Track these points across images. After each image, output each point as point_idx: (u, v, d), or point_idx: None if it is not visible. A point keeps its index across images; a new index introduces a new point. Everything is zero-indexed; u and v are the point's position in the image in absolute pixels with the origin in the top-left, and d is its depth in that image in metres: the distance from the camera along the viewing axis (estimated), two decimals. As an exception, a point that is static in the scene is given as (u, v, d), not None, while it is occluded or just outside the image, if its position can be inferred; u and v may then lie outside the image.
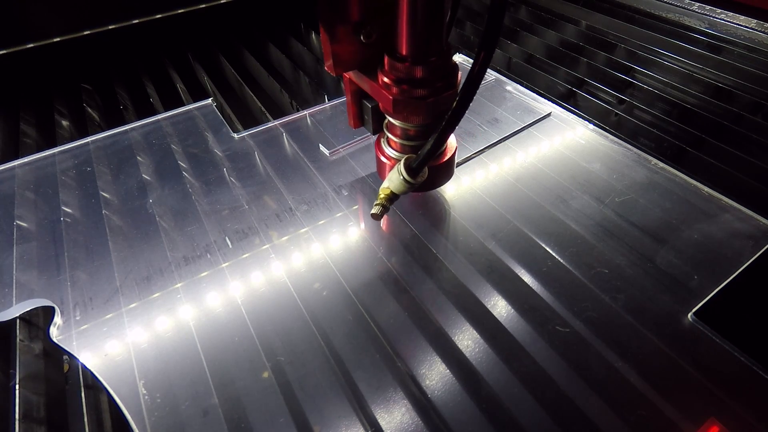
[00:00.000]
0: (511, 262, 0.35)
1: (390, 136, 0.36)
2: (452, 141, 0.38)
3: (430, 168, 0.36)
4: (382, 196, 0.34)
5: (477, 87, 0.28)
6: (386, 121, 0.36)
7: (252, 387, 0.28)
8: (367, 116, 0.37)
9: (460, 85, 0.29)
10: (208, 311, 0.32)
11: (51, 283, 0.34)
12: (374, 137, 0.40)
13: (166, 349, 0.30)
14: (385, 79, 0.31)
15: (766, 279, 0.34)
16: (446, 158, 0.37)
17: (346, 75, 0.35)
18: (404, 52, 0.30)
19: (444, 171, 0.38)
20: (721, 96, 0.55)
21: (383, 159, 0.37)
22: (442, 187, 0.42)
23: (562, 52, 0.65)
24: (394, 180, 0.33)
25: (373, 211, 0.34)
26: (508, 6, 0.81)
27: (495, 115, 0.51)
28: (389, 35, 0.31)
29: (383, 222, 0.39)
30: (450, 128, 0.30)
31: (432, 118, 0.33)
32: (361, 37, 0.31)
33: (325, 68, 0.33)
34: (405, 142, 0.35)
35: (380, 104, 0.34)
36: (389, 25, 0.30)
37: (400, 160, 0.33)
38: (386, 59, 0.31)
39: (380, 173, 0.40)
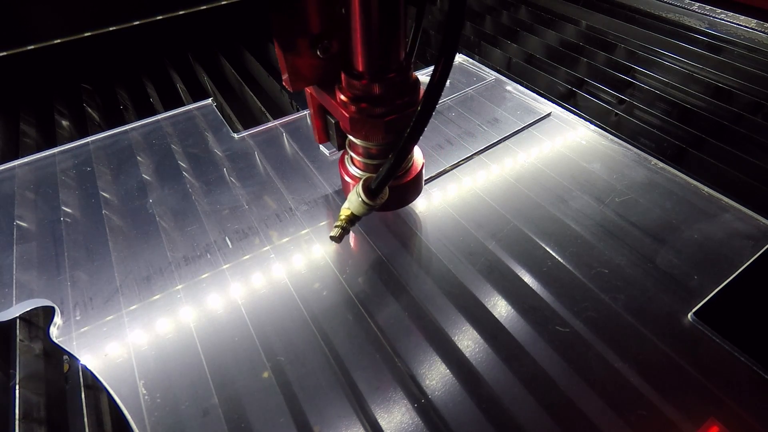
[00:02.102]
0: (511, 262, 0.35)
1: (352, 154, 0.34)
2: (419, 157, 0.36)
3: (397, 188, 0.34)
4: (342, 217, 0.32)
5: (438, 97, 0.26)
6: (348, 138, 0.34)
7: (252, 387, 0.28)
8: (332, 132, 0.35)
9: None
10: (207, 311, 0.32)
11: (51, 283, 0.34)
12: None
13: (166, 350, 0.30)
14: (343, 97, 0.30)
15: (766, 279, 0.34)
16: (412, 176, 0.35)
17: (308, 89, 0.34)
18: (360, 69, 0.29)
19: (411, 189, 0.36)
20: (721, 96, 0.55)
21: (347, 178, 0.36)
22: (441, 187, 0.42)
23: (562, 52, 0.65)
24: (353, 201, 0.31)
25: (332, 233, 0.32)
26: (508, 6, 0.81)
27: (495, 115, 0.51)
28: (345, 51, 0.29)
29: (383, 222, 0.39)
30: (410, 144, 0.27)
31: (392, 137, 0.31)
32: (318, 52, 0.30)
33: (283, 82, 0.31)
34: (367, 161, 0.34)
35: (339, 122, 0.32)
36: (346, 39, 0.28)
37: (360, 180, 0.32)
38: (343, 76, 0.29)
39: (345, 192, 0.38)
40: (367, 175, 0.33)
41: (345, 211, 0.32)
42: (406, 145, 0.27)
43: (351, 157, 0.35)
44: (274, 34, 0.28)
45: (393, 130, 0.30)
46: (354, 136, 0.32)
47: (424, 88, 0.27)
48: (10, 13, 0.60)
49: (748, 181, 0.43)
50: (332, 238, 0.32)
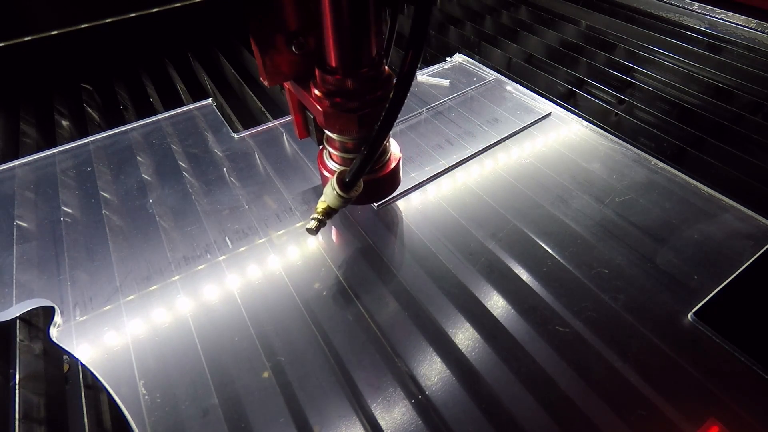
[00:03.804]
0: (511, 262, 0.35)
1: (329, 148, 0.35)
2: (396, 150, 0.36)
3: (370, 181, 0.35)
4: (319, 210, 0.33)
5: (407, 90, 0.26)
6: (325, 133, 0.35)
7: (252, 387, 0.28)
8: (311, 127, 0.35)
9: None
10: (208, 311, 0.32)
11: (51, 283, 0.34)
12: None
13: (167, 349, 0.30)
14: (317, 92, 0.30)
15: (766, 279, 0.34)
16: (388, 171, 0.35)
17: (287, 85, 0.34)
18: (333, 64, 0.29)
19: (387, 183, 0.36)
20: (721, 96, 0.55)
21: (325, 173, 0.36)
22: (441, 187, 0.42)
23: (562, 52, 0.65)
24: (329, 194, 0.32)
25: (308, 225, 0.33)
26: (508, 6, 0.81)
27: (495, 115, 0.51)
28: (321, 46, 0.29)
29: (383, 222, 0.39)
30: (381, 137, 0.28)
31: (366, 131, 0.31)
32: (293, 48, 0.30)
33: (260, 78, 0.32)
34: (344, 155, 0.34)
35: (315, 117, 0.33)
36: (320, 35, 0.29)
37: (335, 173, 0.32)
38: (317, 71, 0.30)
39: (323, 186, 0.38)
40: (341, 169, 0.33)
41: (321, 204, 0.33)
42: (377, 138, 0.28)
43: (329, 152, 0.36)
44: (249, 30, 0.29)
45: (367, 124, 0.30)
46: (329, 130, 0.33)
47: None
48: (6, 4, 0.60)
49: (748, 181, 0.43)
50: (308, 230, 0.33)
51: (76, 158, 0.46)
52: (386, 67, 0.30)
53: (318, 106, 0.30)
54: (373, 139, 0.28)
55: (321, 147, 0.37)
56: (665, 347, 0.29)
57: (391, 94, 0.26)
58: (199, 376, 0.29)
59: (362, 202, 0.38)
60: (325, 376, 0.29)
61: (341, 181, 0.31)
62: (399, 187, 0.39)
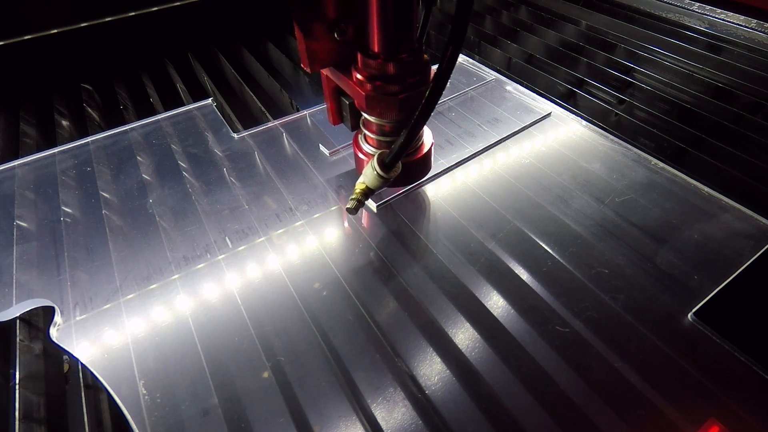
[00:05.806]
0: (511, 262, 0.35)
1: (366, 132, 0.37)
2: (429, 137, 0.38)
3: (407, 164, 0.36)
4: (357, 190, 0.35)
5: (446, 81, 0.28)
6: (363, 117, 0.36)
7: (252, 387, 0.28)
8: (346, 113, 0.37)
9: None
10: (208, 311, 0.32)
11: (51, 283, 0.34)
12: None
13: (167, 349, 0.30)
14: (359, 76, 0.32)
15: (766, 279, 0.34)
16: (422, 154, 0.37)
17: (324, 72, 0.36)
18: (376, 49, 0.31)
19: (420, 166, 0.38)
20: (721, 96, 0.55)
21: (360, 155, 0.38)
22: (441, 187, 0.42)
23: (562, 52, 0.65)
24: (368, 175, 0.34)
25: (348, 205, 0.35)
26: (508, 6, 0.81)
27: (495, 115, 0.51)
28: (361, 34, 0.31)
29: (383, 222, 0.39)
30: (421, 122, 0.30)
31: (405, 114, 0.33)
32: (335, 35, 0.32)
33: (301, 65, 0.34)
34: (381, 138, 0.36)
35: (355, 101, 0.34)
36: (362, 22, 0.31)
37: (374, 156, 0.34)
38: (359, 56, 0.31)
39: (358, 170, 0.41)
40: (381, 151, 0.35)
41: (360, 185, 0.35)
42: (417, 121, 0.30)
43: (365, 136, 0.37)
44: (294, 18, 0.30)
45: (406, 108, 0.32)
46: (369, 114, 0.34)
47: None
48: (5, 3, 0.59)
49: (748, 181, 0.43)
50: (348, 210, 0.34)
51: (76, 158, 0.46)
52: (425, 55, 0.32)
53: (360, 90, 0.32)
54: (413, 122, 0.30)
55: (356, 132, 0.39)
56: (665, 347, 0.29)
57: (433, 78, 0.28)
58: (199, 376, 0.29)
59: (397, 184, 0.40)
60: (325, 376, 0.29)
61: (381, 162, 0.33)
62: (398, 188, 0.40)
